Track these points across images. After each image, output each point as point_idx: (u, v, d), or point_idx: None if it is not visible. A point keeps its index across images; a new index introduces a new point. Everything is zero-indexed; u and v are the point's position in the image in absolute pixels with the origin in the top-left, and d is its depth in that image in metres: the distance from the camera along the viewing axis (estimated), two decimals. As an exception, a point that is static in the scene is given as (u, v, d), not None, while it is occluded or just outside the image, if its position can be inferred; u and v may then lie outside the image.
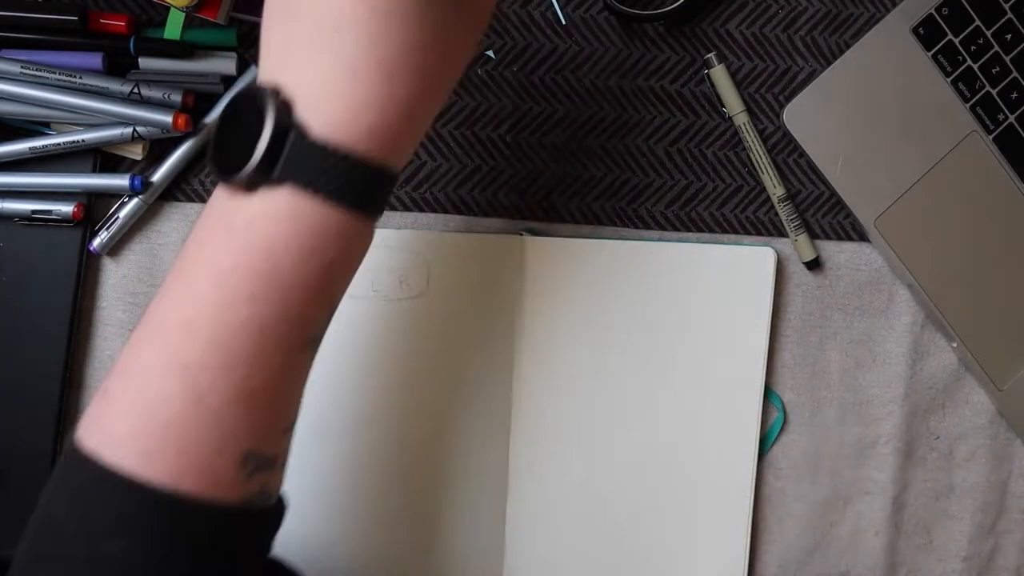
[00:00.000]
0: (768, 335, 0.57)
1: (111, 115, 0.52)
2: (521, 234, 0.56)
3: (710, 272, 0.56)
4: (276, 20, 0.37)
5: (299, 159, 0.34)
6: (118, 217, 0.55)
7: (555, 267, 0.56)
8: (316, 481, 0.54)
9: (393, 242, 0.55)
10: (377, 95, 0.35)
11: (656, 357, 0.56)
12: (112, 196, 0.55)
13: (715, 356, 0.57)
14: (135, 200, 0.54)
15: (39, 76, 0.52)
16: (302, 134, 0.34)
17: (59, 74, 0.52)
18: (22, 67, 0.52)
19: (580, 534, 0.56)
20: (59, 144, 0.53)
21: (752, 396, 0.57)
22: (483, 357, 0.55)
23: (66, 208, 0.53)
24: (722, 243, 0.57)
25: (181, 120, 0.52)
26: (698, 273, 0.56)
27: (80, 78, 0.52)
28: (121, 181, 0.53)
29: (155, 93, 0.52)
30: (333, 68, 0.35)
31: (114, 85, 0.52)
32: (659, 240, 0.57)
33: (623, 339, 0.56)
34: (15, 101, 0.52)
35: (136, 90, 0.52)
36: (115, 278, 0.56)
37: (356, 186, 0.35)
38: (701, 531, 0.57)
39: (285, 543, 0.52)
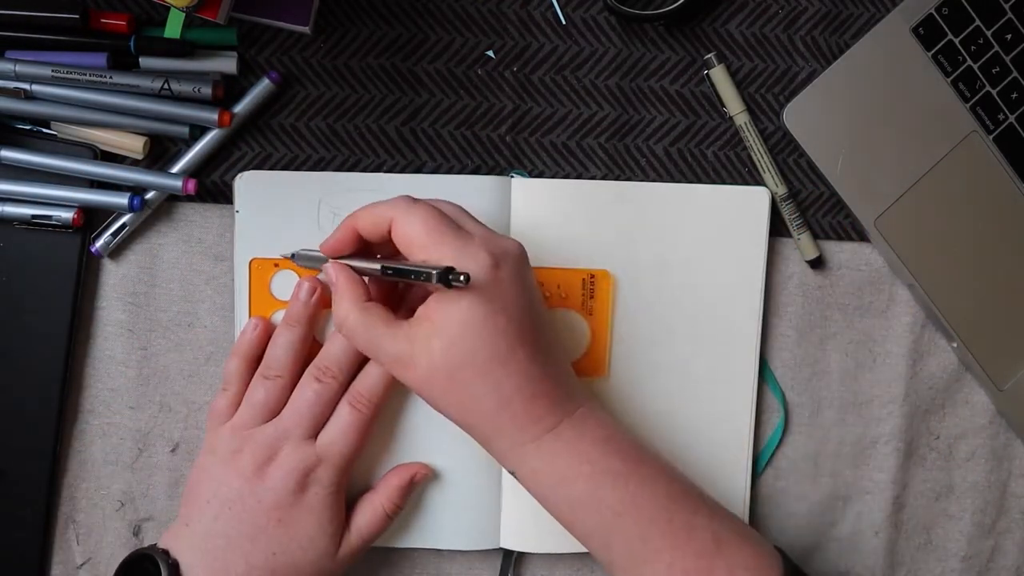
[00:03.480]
0: (764, 274, 0.57)
1: (153, 114, 0.53)
2: (511, 176, 0.56)
3: (704, 212, 0.56)
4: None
5: None
6: (119, 222, 0.55)
7: (544, 207, 0.55)
8: None
9: (380, 185, 0.55)
10: None
11: (651, 295, 0.56)
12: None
13: (711, 294, 0.56)
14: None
15: (70, 78, 0.52)
16: None
17: (90, 75, 0.52)
18: (52, 70, 0.52)
19: None
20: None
21: (750, 333, 0.57)
22: None
23: (66, 215, 0.53)
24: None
25: (226, 117, 0.53)
26: (692, 213, 0.56)
27: (111, 77, 0.52)
28: (120, 200, 0.53)
29: (185, 87, 0.53)
30: None
31: (144, 82, 0.52)
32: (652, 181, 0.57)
33: (618, 278, 0.56)
34: (54, 102, 0.52)
35: (166, 85, 0.52)
36: (115, 278, 0.56)
37: None
38: (704, 455, 0.57)
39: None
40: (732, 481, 0.57)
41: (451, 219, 0.47)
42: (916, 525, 0.60)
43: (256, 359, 0.53)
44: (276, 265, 0.55)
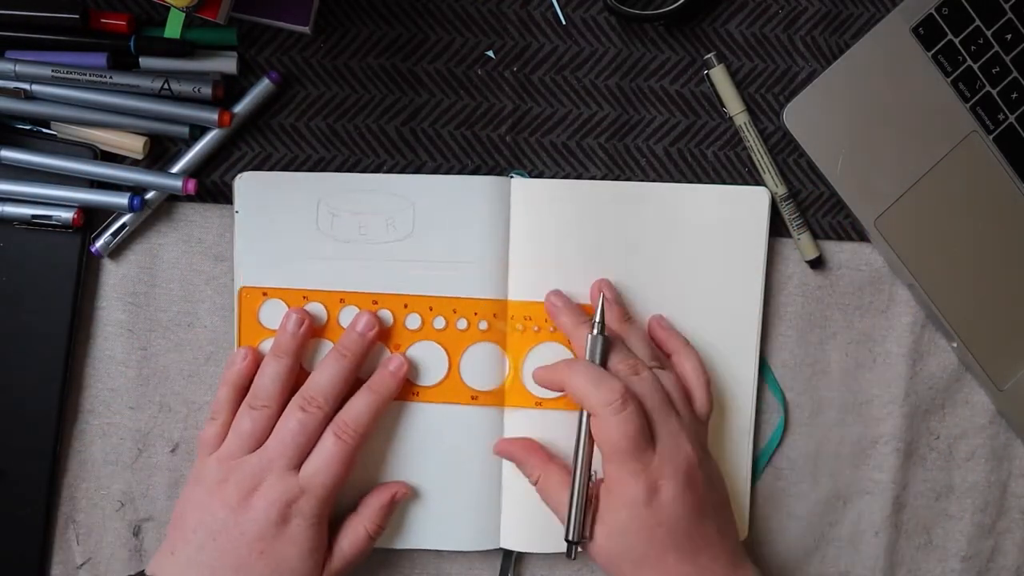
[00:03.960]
0: (764, 274, 0.57)
1: (153, 114, 0.53)
2: (511, 176, 0.56)
3: (704, 212, 0.56)
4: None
5: None
6: (119, 222, 0.55)
7: (544, 207, 0.55)
8: None
9: (379, 186, 0.55)
10: None
11: (650, 295, 0.56)
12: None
13: (711, 294, 0.56)
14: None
15: (70, 78, 0.52)
16: None
17: (90, 75, 0.52)
18: (52, 70, 0.52)
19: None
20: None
21: (749, 333, 0.57)
22: (473, 292, 0.55)
23: (66, 215, 0.53)
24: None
25: (226, 117, 0.53)
26: (692, 213, 0.56)
27: (111, 77, 0.52)
28: (120, 200, 0.53)
29: (185, 87, 0.53)
30: None
31: (144, 82, 0.52)
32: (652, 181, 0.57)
33: (617, 279, 0.56)
34: (54, 102, 0.52)
35: (166, 85, 0.52)
36: (115, 278, 0.56)
37: None
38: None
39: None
40: (732, 481, 0.57)
41: (645, 429, 0.49)
42: (916, 525, 0.60)
43: (245, 388, 0.53)
44: (264, 294, 0.55)
